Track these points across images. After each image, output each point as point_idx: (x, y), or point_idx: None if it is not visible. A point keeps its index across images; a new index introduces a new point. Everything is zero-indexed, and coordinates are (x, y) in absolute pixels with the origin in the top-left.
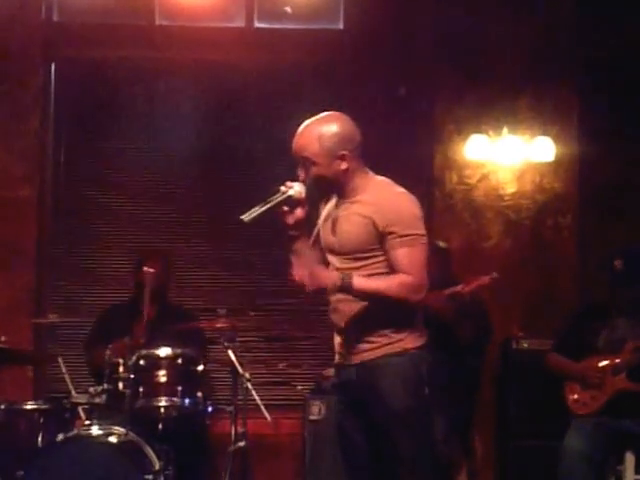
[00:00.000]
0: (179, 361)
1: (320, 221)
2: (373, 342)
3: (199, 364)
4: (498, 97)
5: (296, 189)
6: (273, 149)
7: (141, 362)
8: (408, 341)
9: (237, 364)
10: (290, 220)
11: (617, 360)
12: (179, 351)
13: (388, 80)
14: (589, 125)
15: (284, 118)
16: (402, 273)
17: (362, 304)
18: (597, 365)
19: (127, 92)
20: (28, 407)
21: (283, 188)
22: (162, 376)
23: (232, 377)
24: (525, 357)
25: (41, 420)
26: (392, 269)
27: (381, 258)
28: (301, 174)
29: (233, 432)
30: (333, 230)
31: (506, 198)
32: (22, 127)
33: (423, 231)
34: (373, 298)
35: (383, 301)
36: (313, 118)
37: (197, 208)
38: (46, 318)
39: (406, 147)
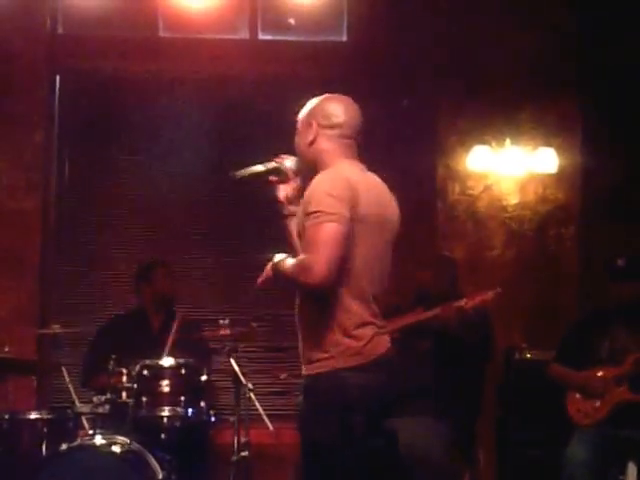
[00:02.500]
0: (182, 371)
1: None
2: (309, 357)
3: (202, 374)
4: (501, 108)
5: (287, 163)
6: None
7: (144, 372)
8: (339, 359)
9: (240, 374)
10: (281, 193)
11: (619, 371)
12: (182, 361)
13: (391, 91)
14: (591, 136)
15: (288, 130)
16: (303, 253)
17: (304, 308)
18: (599, 376)
19: (131, 104)
20: (32, 417)
21: (277, 159)
22: (165, 386)
23: (235, 387)
24: (528, 367)
25: (45, 430)
26: None
27: None
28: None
29: (236, 442)
30: None
31: (509, 209)
32: (26, 139)
33: (333, 209)
34: (286, 283)
35: (287, 285)
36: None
37: (199, 220)
38: (50, 328)
39: (409, 158)
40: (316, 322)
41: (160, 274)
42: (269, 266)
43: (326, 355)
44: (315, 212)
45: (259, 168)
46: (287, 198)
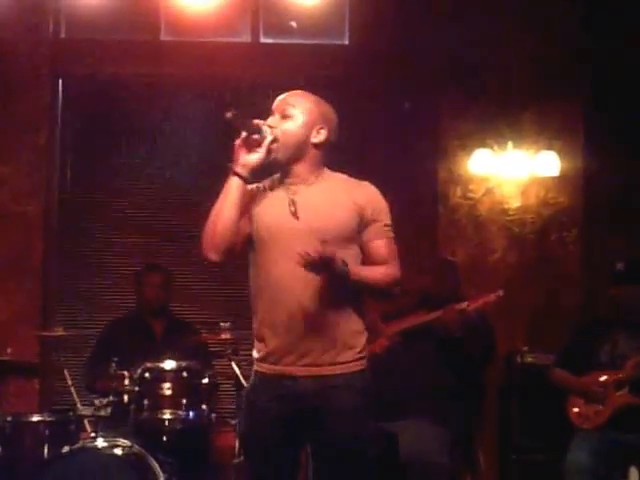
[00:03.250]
0: (184, 374)
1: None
2: (342, 355)
3: (204, 377)
4: (503, 111)
5: (267, 130)
6: None
7: (146, 375)
8: (366, 359)
9: (241, 377)
10: (245, 151)
11: (620, 375)
12: (184, 364)
13: (392, 95)
14: (594, 139)
15: None
16: (384, 263)
17: (336, 304)
18: (600, 380)
19: (133, 108)
20: (34, 419)
21: (258, 121)
22: (167, 389)
23: (236, 390)
24: (529, 371)
25: (47, 432)
26: (371, 261)
27: (357, 250)
28: (273, 122)
29: (237, 445)
30: (295, 214)
31: (510, 212)
32: (29, 143)
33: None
34: (361, 289)
35: (359, 293)
36: None
37: (202, 223)
38: (52, 331)
39: (410, 162)
40: (356, 324)
41: (151, 280)
42: (340, 265)
43: (363, 353)
44: (390, 226)
45: (254, 121)
46: (252, 163)
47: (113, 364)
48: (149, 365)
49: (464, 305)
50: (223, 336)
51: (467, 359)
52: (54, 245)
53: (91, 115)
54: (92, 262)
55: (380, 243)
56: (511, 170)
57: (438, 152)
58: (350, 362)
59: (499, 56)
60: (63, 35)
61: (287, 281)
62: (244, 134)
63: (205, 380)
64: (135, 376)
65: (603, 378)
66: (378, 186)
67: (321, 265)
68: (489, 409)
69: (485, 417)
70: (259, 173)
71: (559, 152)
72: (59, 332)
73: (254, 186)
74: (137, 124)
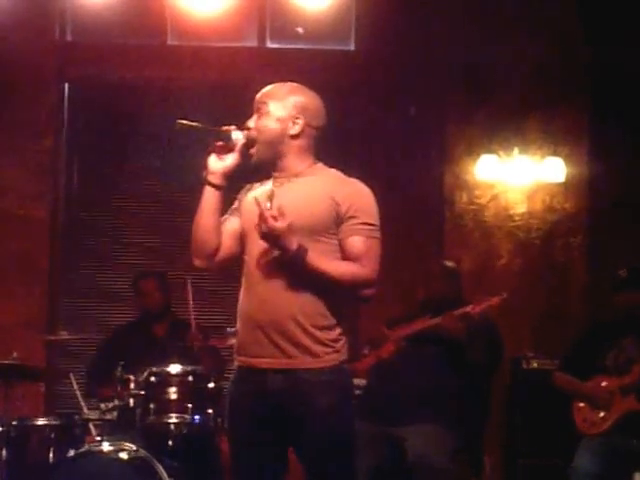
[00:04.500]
0: (190, 378)
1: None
2: (310, 349)
3: (210, 381)
4: (508, 117)
5: (238, 134)
6: None
7: (152, 379)
8: (343, 352)
9: None
10: (218, 160)
11: (625, 380)
12: (190, 368)
13: (399, 100)
14: (599, 145)
15: None
16: (357, 262)
17: (302, 296)
18: (605, 385)
19: (139, 111)
20: (39, 423)
21: (225, 127)
22: (173, 393)
23: None
24: (535, 376)
25: (52, 436)
26: (343, 256)
27: (334, 246)
28: (249, 123)
29: None
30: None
31: (516, 218)
32: (35, 146)
33: (379, 226)
34: (321, 281)
35: (328, 288)
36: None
37: None
38: (58, 335)
39: (416, 167)
40: (325, 318)
41: (145, 286)
42: (290, 239)
43: (337, 346)
44: (374, 225)
45: (207, 126)
46: (224, 169)
47: (119, 368)
48: (155, 369)
49: (468, 308)
50: (230, 341)
51: (472, 364)
52: (60, 249)
53: (97, 119)
54: (99, 266)
55: (354, 240)
56: (517, 176)
57: (444, 158)
58: (320, 356)
59: (505, 62)
60: (70, 39)
61: (256, 272)
62: (218, 142)
63: (211, 384)
64: (141, 380)
65: (608, 383)
66: (384, 191)
67: (271, 237)
68: (494, 414)
69: (490, 422)
70: (249, 174)
71: (564, 158)
72: (65, 336)
73: (244, 189)
74: (143, 128)
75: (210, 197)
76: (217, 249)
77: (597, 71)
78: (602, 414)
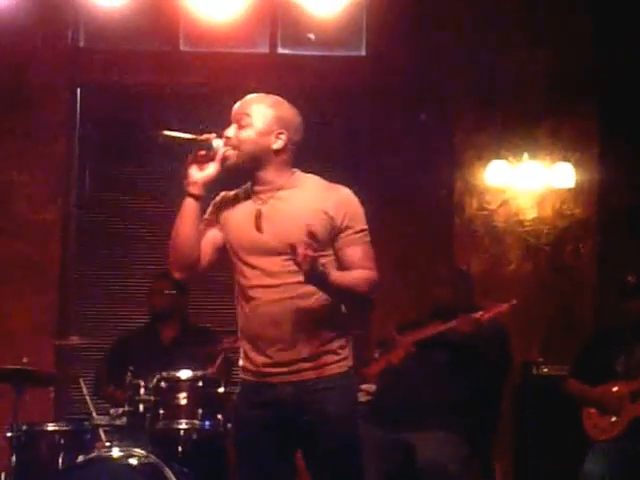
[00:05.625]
0: (200, 383)
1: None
2: (318, 358)
3: (220, 386)
4: (518, 123)
5: (219, 143)
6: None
7: (162, 384)
8: (350, 358)
9: None
10: (198, 169)
11: (636, 386)
12: (200, 373)
13: (409, 106)
14: (609, 151)
15: (307, 145)
16: (362, 269)
17: (309, 308)
18: (615, 391)
19: (151, 118)
20: (49, 428)
21: (205, 135)
22: (183, 398)
23: None
24: (545, 382)
25: (62, 441)
26: (346, 268)
27: (330, 258)
28: (228, 132)
29: None
30: (258, 227)
31: (526, 224)
32: (47, 151)
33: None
34: (341, 295)
35: (346, 300)
36: (269, 94)
37: None
38: (68, 340)
39: (426, 173)
40: (332, 327)
41: (159, 286)
42: (320, 273)
43: (344, 353)
44: (366, 229)
45: (189, 135)
46: (205, 178)
47: (129, 373)
48: (165, 374)
49: (478, 315)
50: (239, 345)
51: (482, 370)
52: (71, 254)
53: (109, 124)
54: (110, 271)
55: (354, 250)
56: (527, 182)
57: (454, 163)
58: (328, 365)
59: (515, 68)
60: (82, 45)
61: (258, 293)
62: (197, 151)
63: (221, 389)
64: (151, 385)
65: (618, 389)
66: (394, 197)
67: (314, 275)
68: (504, 419)
69: (501, 427)
70: (224, 182)
71: (574, 164)
72: (75, 341)
73: (219, 197)
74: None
75: (190, 207)
76: (197, 260)
77: (607, 76)
78: (612, 420)
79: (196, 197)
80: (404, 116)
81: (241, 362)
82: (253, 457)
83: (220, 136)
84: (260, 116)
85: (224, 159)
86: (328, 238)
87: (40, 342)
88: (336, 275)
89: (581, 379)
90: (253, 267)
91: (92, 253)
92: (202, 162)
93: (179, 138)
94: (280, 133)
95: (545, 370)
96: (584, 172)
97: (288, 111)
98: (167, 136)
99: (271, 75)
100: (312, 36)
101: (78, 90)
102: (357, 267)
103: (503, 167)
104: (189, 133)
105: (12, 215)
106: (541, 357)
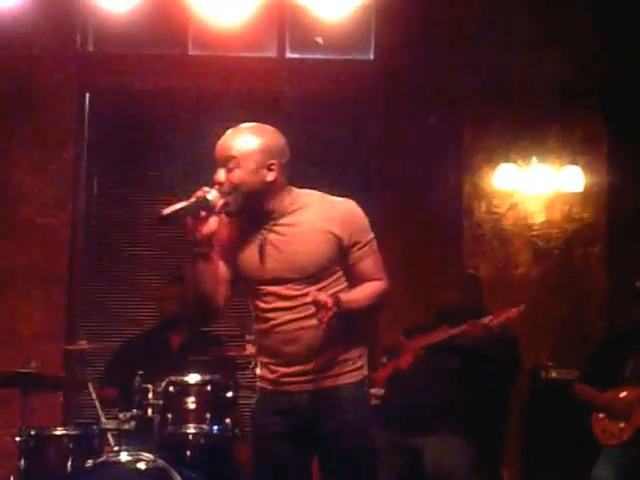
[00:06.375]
0: (208, 388)
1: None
2: (334, 368)
3: (228, 391)
4: (527, 126)
5: (214, 194)
6: (305, 179)
7: (170, 388)
8: (365, 367)
9: None
10: (203, 230)
11: None
12: (208, 378)
13: (417, 110)
14: (618, 154)
15: (316, 147)
16: (373, 280)
17: (318, 328)
18: (623, 396)
19: (160, 122)
20: (57, 433)
21: (199, 192)
22: (191, 403)
23: None
24: (553, 386)
25: (70, 446)
26: (357, 280)
27: (339, 273)
28: (219, 178)
29: None
30: (263, 259)
31: (535, 227)
32: (56, 155)
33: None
34: (354, 314)
35: (360, 315)
36: (245, 124)
37: None
38: (77, 344)
39: (435, 176)
40: (350, 339)
41: (169, 292)
42: (333, 303)
43: (360, 362)
44: (372, 239)
45: (185, 203)
46: (210, 234)
47: (137, 378)
48: (173, 379)
49: (487, 320)
50: (248, 349)
51: (491, 374)
52: (79, 258)
53: (118, 129)
54: (117, 275)
55: (365, 263)
56: (535, 185)
57: (463, 167)
58: (345, 373)
59: (524, 70)
60: (91, 49)
61: (275, 314)
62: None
63: (229, 394)
64: (159, 390)
65: (626, 394)
66: (403, 200)
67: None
68: (513, 424)
69: (509, 432)
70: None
71: (583, 167)
72: (83, 346)
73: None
74: (164, 138)
75: (205, 266)
76: (219, 306)
77: (616, 80)
78: (621, 425)
79: (207, 255)
80: (413, 120)
81: (258, 371)
82: (270, 464)
83: (212, 185)
84: (246, 155)
85: (223, 208)
86: (336, 257)
87: (49, 346)
88: (347, 300)
89: (590, 384)
90: (266, 293)
91: (100, 258)
92: (204, 221)
93: (178, 210)
94: (271, 164)
95: (554, 374)
96: (593, 175)
97: (271, 137)
98: (167, 214)
99: (279, 79)
100: (320, 40)
101: (87, 95)
102: (368, 279)
103: (512, 170)
104: (184, 200)
105: (21, 220)
106: (550, 361)
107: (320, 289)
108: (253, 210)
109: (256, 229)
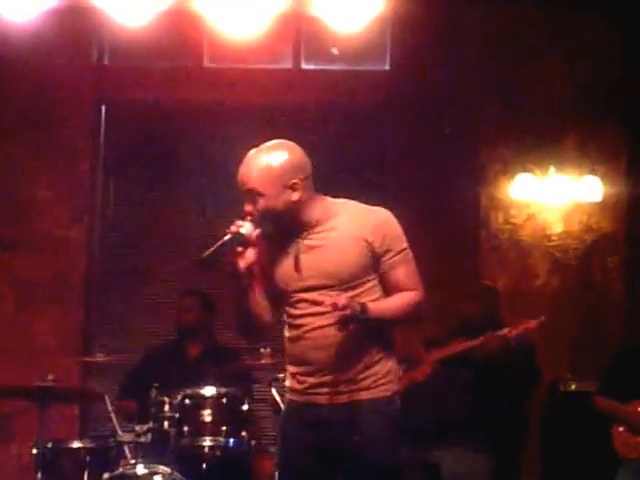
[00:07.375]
0: (224, 401)
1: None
2: (364, 380)
3: (244, 404)
4: (544, 136)
5: (244, 230)
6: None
7: (186, 401)
8: (396, 382)
9: (281, 403)
10: (242, 264)
11: None
12: (224, 391)
13: (433, 120)
14: (637, 164)
15: (332, 159)
16: (407, 290)
17: (355, 332)
18: None
19: (176, 134)
20: (74, 445)
21: (233, 228)
22: (207, 415)
23: (276, 416)
24: (573, 399)
25: (87, 458)
26: (391, 289)
27: (374, 282)
28: (248, 209)
29: (276, 473)
30: (298, 269)
31: (553, 238)
32: (72, 168)
33: (407, 242)
34: (386, 323)
35: (393, 325)
36: (259, 147)
37: None
38: (94, 357)
39: (452, 187)
40: (379, 351)
41: (185, 303)
42: (347, 304)
43: (389, 377)
44: (407, 247)
45: (221, 242)
46: (249, 265)
47: (153, 390)
48: (189, 391)
49: (505, 331)
50: (263, 362)
51: (509, 386)
52: (96, 270)
53: (134, 141)
54: (134, 288)
55: (397, 272)
56: (553, 195)
57: (479, 177)
58: (374, 388)
59: (541, 80)
60: (106, 62)
61: (305, 321)
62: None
63: (245, 407)
64: (175, 402)
65: None
66: (419, 211)
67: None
68: (532, 437)
69: (528, 445)
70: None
71: (602, 177)
72: (100, 358)
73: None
74: (180, 150)
75: (249, 295)
76: (265, 325)
77: (634, 90)
78: None
79: (250, 286)
80: (429, 130)
81: (288, 383)
82: (294, 478)
83: (244, 218)
84: (264, 183)
85: (259, 238)
86: (370, 264)
87: (66, 359)
88: (374, 308)
89: (610, 396)
90: (299, 300)
91: (117, 270)
92: (242, 254)
93: (217, 249)
94: (294, 184)
95: (573, 386)
96: (611, 186)
97: (288, 156)
98: (206, 257)
99: (295, 90)
100: (336, 51)
101: (103, 107)
102: (401, 289)
103: (529, 181)
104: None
105: (37, 233)
106: (568, 373)
107: (353, 297)
108: (287, 226)
109: (292, 240)
